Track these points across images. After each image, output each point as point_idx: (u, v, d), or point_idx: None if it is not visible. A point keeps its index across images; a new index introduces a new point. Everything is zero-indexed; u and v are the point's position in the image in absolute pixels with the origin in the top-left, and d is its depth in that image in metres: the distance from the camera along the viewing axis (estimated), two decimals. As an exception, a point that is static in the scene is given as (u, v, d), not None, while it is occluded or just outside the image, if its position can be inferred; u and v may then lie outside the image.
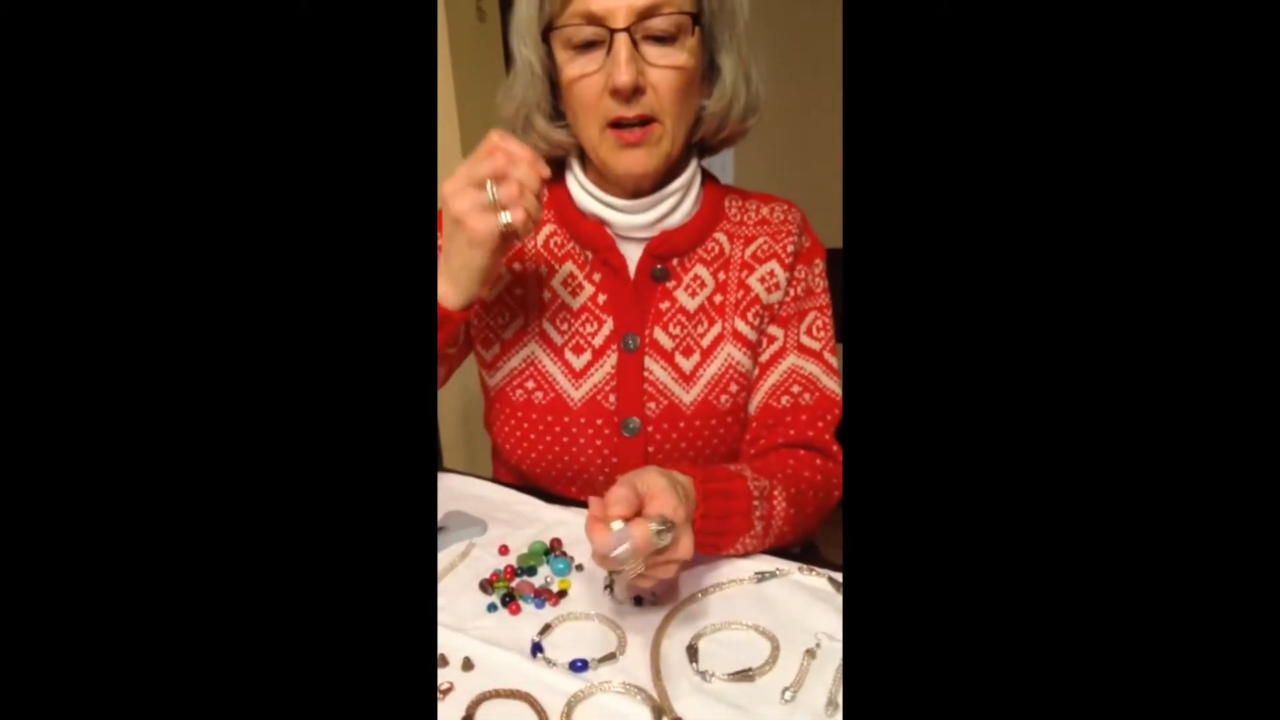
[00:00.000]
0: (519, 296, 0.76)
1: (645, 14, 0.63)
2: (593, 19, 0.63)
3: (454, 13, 1.45)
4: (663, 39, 0.64)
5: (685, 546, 0.52)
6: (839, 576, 0.58)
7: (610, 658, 0.50)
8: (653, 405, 0.72)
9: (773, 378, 0.75)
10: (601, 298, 0.74)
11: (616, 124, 0.66)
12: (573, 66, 0.66)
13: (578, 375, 0.73)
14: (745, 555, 0.63)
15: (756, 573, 0.59)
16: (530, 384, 0.74)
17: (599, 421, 0.72)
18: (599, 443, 0.73)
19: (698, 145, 0.76)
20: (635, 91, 0.64)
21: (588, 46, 0.65)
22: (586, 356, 0.73)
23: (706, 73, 0.71)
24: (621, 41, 0.63)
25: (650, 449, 0.73)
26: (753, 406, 0.76)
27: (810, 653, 0.50)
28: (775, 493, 0.64)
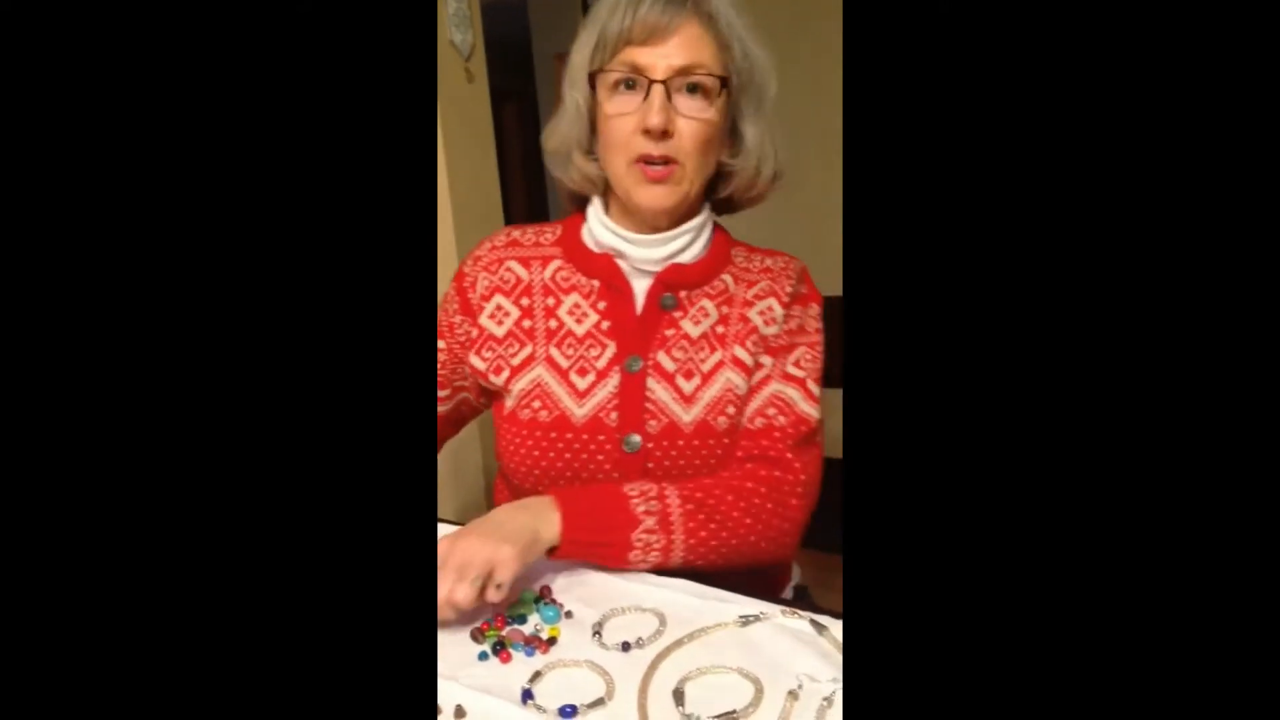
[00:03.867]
0: (527, 329, 0.82)
1: (681, 72, 0.73)
2: (636, 69, 0.74)
3: (444, 75, 1.50)
4: (694, 93, 0.74)
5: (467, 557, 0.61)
6: (821, 619, 0.59)
7: (599, 703, 0.52)
8: (654, 423, 0.77)
9: (755, 403, 0.80)
10: (605, 324, 0.80)
11: (643, 160, 0.75)
12: (612, 105, 0.76)
13: (581, 395, 0.79)
14: (674, 563, 0.70)
15: (740, 616, 0.60)
16: (536, 404, 0.79)
17: (600, 438, 0.77)
18: (600, 458, 0.77)
19: (722, 200, 0.85)
20: (664, 134, 0.74)
21: (629, 89, 0.75)
22: (590, 378, 0.79)
23: (731, 133, 0.81)
24: (657, 90, 0.73)
25: (649, 464, 0.78)
26: None
27: (793, 694, 0.51)
28: (667, 493, 0.72)
